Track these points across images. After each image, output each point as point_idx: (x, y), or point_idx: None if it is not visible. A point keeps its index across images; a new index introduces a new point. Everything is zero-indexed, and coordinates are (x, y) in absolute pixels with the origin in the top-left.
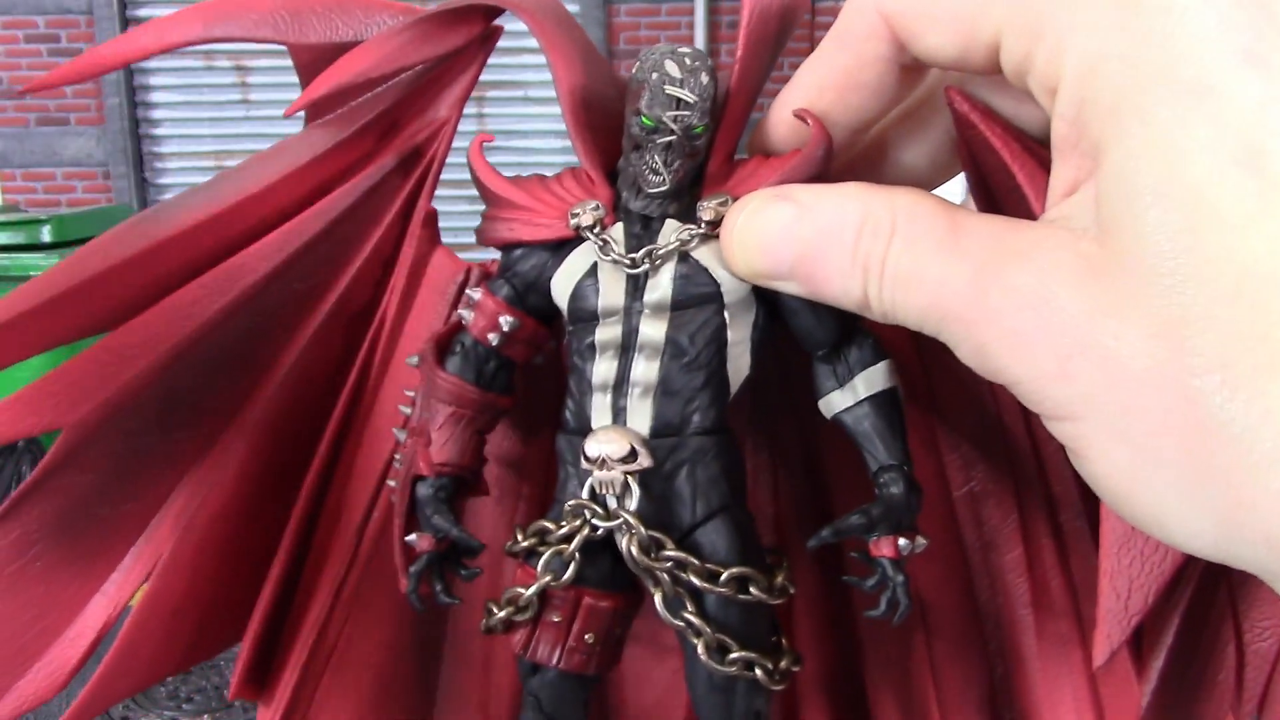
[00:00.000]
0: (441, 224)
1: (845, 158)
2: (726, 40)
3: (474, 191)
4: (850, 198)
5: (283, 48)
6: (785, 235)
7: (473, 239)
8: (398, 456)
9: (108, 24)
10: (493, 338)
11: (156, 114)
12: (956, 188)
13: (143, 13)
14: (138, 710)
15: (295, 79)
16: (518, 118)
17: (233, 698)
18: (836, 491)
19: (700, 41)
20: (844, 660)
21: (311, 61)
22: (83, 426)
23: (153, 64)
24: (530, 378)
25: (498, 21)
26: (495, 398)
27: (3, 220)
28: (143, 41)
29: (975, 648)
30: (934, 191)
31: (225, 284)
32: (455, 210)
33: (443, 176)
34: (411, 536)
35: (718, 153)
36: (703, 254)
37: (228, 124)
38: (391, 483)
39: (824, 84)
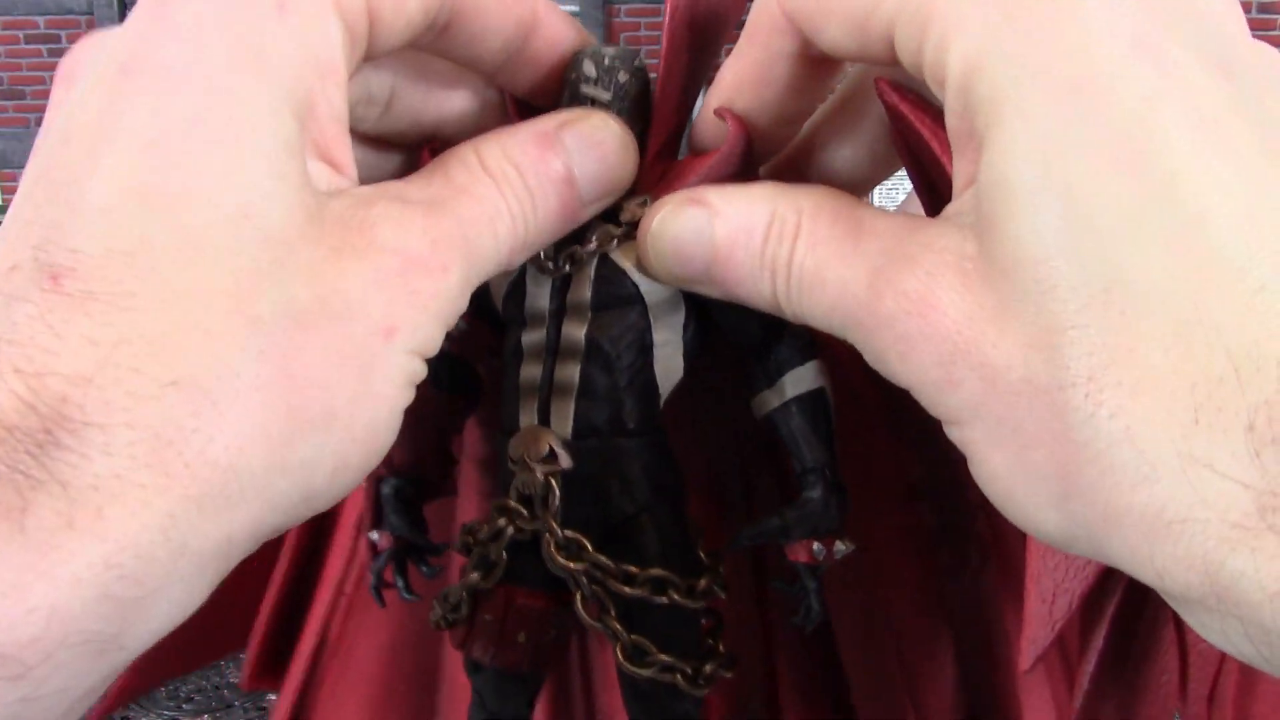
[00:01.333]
0: None
1: (782, 155)
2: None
3: None
4: (758, 199)
5: None
6: (697, 239)
7: None
8: None
9: (108, 24)
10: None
11: None
12: None
13: None
14: (138, 710)
15: None
16: None
17: (245, 688)
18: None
19: None
20: (827, 657)
21: None
22: None
23: None
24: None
25: None
26: (452, 398)
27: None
28: None
29: (947, 649)
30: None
31: None
32: None
33: None
34: (373, 534)
35: (649, 151)
36: (621, 256)
37: None
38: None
39: (740, 82)
